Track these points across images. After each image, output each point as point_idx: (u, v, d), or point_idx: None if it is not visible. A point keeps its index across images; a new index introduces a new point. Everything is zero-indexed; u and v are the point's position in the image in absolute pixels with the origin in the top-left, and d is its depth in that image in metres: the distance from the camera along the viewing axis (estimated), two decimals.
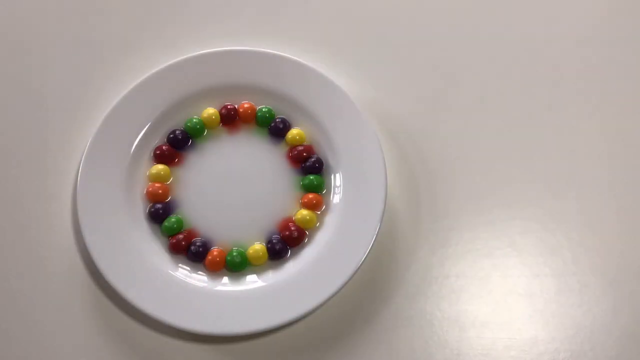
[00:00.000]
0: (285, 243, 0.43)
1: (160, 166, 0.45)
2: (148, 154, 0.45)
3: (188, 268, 0.43)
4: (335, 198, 0.44)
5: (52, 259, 0.44)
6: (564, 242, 0.45)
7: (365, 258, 0.41)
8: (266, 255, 0.43)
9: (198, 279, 0.42)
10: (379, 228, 0.42)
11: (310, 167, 0.45)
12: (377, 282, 0.44)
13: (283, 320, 0.40)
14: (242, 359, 0.42)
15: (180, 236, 0.43)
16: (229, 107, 0.46)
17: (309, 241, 0.44)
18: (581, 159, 0.47)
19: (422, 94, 0.49)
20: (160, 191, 0.44)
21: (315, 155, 0.45)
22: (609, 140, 0.48)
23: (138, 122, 0.45)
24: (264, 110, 0.46)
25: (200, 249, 0.43)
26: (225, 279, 0.43)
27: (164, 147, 0.45)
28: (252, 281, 0.43)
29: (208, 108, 0.46)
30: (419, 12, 0.52)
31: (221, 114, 0.46)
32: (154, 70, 0.45)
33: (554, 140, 0.48)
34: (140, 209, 0.44)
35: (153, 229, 0.44)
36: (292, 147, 0.46)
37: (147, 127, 0.45)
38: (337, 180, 0.45)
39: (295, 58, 0.46)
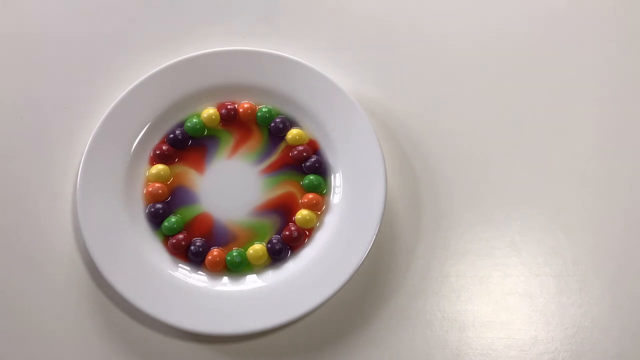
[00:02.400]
0: (285, 243, 0.43)
1: (160, 166, 0.45)
2: (148, 154, 0.45)
3: (188, 268, 0.43)
4: (335, 198, 0.44)
5: (53, 259, 0.44)
6: (564, 242, 0.45)
7: (365, 258, 0.41)
8: (266, 255, 0.43)
9: (198, 279, 0.42)
10: (379, 228, 0.42)
11: (310, 167, 0.45)
12: (377, 282, 0.44)
13: (283, 320, 0.40)
14: (242, 359, 0.42)
15: (180, 236, 0.43)
16: (228, 107, 0.46)
17: (309, 241, 0.44)
18: (581, 159, 0.47)
19: (422, 93, 0.49)
20: (160, 191, 0.44)
21: (315, 155, 0.45)
22: (610, 140, 0.48)
23: (138, 122, 0.45)
24: (264, 110, 0.46)
25: (200, 249, 0.43)
26: (225, 279, 0.43)
27: (164, 147, 0.45)
28: (252, 281, 0.43)
29: (208, 108, 0.46)
30: (419, 12, 0.52)
31: (221, 114, 0.46)
32: (154, 70, 0.45)
33: (554, 140, 0.48)
34: (140, 209, 0.44)
35: (153, 229, 0.44)
36: (292, 147, 0.46)
37: (147, 127, 0.45)
38: (337, 180, 0.45)
39: (295, 58, 0.46)
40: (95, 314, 0.42)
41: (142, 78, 0.45)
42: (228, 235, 0.44)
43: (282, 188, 0.45)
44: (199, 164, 0.45)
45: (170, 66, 0.45)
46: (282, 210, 0.44)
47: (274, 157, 0.46)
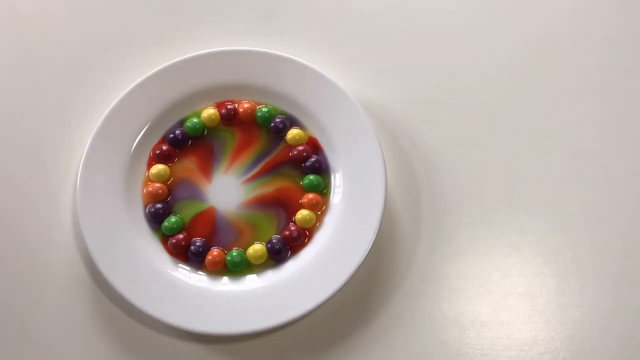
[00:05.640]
0: (285, 243, 0.43)
1: (160, 166, 0.45)
2: (148, 154, 0.45)
3: (188, 268, 0.43)
4: (335, 198, 0.44)
5: (52, 259, 0.44)
6: (564, 242, 0.45)
7: (365, 258, 0.41)
8: (266, 255, 0.43)
9: (198, 279, 0.42)
10: (379, 228, 0.42)
11: (310, 167, 0.45)
12: (377, 282, 0.44)
13: (283, 320, 0.40)
14: (242, 359, 0.42)
15: (180, 236, 0.43)
16: (228, 107, 0.46)
17: (308, 241, 0.44)
18: (581, 159, 0.47)
19: (422, 94, 0.49)
20: (160, 191, 0.44)
21: (315, 155, 0.45)
22: (609, 140, 0.48)
23: (138, 122, 0.45)
24: (264, 110, 0.46)
25: (200, 249, 0.43)
26: (225, 279, 0.43)
27: (164, 147, 0.45)
28: (252, 281, 0.43)
29: (208, 108, 0.46)
30: (419, 12, 0.52)
31: (221, 114, 0.46)
32: (154, 70, 0.45)
33: (554, 139, 0.48)
34: (140, 209, 0.44)
35: (153, 229, 0.44)
36: (292, 147, 0.46)
37: (147, 127, 0.45)
38: (337, 180, 0.45)
39: (295, 58, 0.46)
40: (95, 313, 0.42)
41: (142, 78, 0.45)
42: (230, 232, 0.44)
43: (281, 183, 0.45)
44: (204, 168, 0.45)
45: (170, 66, 0.45)
46: (283, 204, 0.44)
47: (273, 157, 0.46)
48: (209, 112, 0.46)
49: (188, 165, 0.45)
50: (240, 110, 0.46)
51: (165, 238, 0.43)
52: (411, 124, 0.48)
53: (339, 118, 0.45)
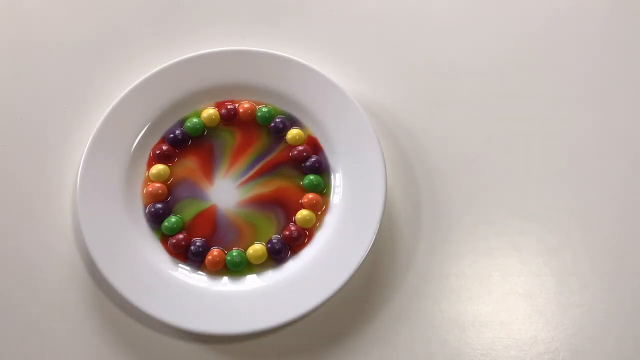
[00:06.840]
0: (285, 243, 0.43)
1: (160, 166, 0.45)
2: (148, 154, 0.45)
3: (188, 268, 0.43)
4: (335, 198, 0.44)
5: (52, 259, 0.44)
6: (564, 242, 0.45)
7: (365, 258, 0.41)
8: (266, 255, 0.43)
9: (198, 279, 0.42)
10: (379, 228, 0.42)
11: (310, 167, 0.45)
12: (377, 282, 0.44)
13: (283, 320, 0.40)
14: (242, 359, 0.42)
15: (180, 236, 0.43)
16: (228, 107, 0.46)
17: (308, 241, 0.44)
18: (581, 158, 0.47)
19: (422, 94, 0.49)
20: (160, 191, 0.44)
21: (315, 156, 0.45)
22: (610, 140, 0.48)
23: (138, 122, 0.45)
24: (264, 110, 0.46)
25: (200, 249, 0.43)
26: (225, 279, 0.43)
27: (163, 147, 0.45)
28: (252, 281, 0.43)
29: (208, 108, 0.46)
30: (419, 12, 0.52)
31: (221, 114, 0.46)
32: (154, 70, 0.45)
33: (554, 139, 0.48)
34: (140, 209, 0.44)
35: (153, 229, 0.44)
36: (292, 147, 0.46)
37: (147, 127, 0.45)
38: (337, 180, 0.45)
39: (295, 58, 0.46)
40: (95, 314, 0.42)
41: (142, 78, 0.45)
42: (231, 231, 0.43)
43: (281, 183, 0.45)
44: (204, 168, 0.45)
45: (170, 66, 0.45)
46: (282, 204, 0.44)
47: (273, 157, 0.46)
48: (209, 112, 0.46)
49: (188, 165, 0.45)
50: (240, 110, 0.46)
51: (165, 238, 0.43)
52: (411, 124, 0.48)
53: (339, 118, 0.45)
